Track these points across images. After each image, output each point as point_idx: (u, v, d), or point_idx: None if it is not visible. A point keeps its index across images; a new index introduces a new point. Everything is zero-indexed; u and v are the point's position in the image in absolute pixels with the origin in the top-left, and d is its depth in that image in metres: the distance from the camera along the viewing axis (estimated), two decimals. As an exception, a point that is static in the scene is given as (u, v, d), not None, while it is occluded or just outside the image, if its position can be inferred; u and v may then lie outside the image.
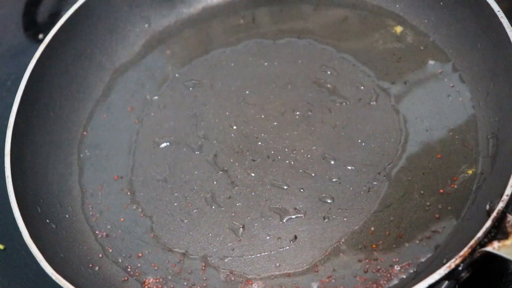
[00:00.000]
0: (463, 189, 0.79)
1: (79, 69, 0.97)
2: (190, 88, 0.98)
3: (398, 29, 0.95)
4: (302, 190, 0.84)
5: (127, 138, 0.94)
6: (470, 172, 0.80)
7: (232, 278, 0.79)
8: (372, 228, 0.79)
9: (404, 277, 0.74)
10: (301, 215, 0.82)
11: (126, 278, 0.81)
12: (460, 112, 0.85)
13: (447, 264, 0.65)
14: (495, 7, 0.79)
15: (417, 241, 0.76)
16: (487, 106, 0.83)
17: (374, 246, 0.77)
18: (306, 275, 0.77)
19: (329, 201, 0.82)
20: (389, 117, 0.87)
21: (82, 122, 0.96)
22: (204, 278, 0.80)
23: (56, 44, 0.92)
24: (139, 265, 0.82)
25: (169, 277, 0.80)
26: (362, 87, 0.91)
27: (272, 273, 0.78)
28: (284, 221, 0.82)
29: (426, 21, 0.94)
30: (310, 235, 0.80)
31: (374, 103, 0.89)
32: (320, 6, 1.01)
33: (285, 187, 0.85)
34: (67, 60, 0.95)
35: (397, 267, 0.75)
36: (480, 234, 0.65)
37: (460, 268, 0.65)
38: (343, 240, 0.79)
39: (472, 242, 0.65)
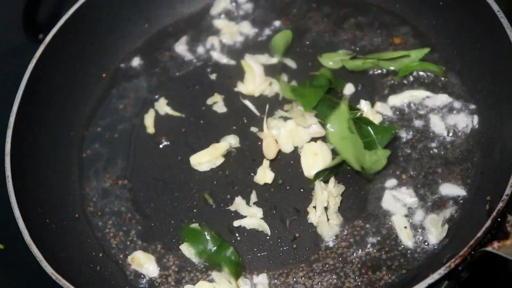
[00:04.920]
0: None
1: (79, 69, 0.97)
2: (190, 88, 0.98)
3: (399, 29, 0.95)
4: (302, 190, 0.84)
5: (127, 138, 0.94)
6: (470, 172, 0.80)
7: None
8: (373, 228, 0.79)
9: (404, 277, 0.74)
10: (301, 215, 0.82)
11: (126, 278, 0.81)
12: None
13: (447, 264, 0.65)
14: (495, 7, 0.79)
15: (418, 241, 0.77)
16: (487, 106, 0.83)
17: (374, 245, 0.77)
18: (306, 275, 0.77)
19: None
20: (389, 118, 0.87)
21: (82, 122, 0.96)
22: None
23: (56, 44, 0.92)
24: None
25: (170, 277, 0.81)
26: (362, 87, 0.91)
27: (272, 273, 0.78)
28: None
29: (426, 21, 0.94)
30: (310, 235, 0.80)
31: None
32: (321, 5, 1.01)
33: (285, 187, 0.85)
34: (67, 60, 0.95)
35: (397, 267, 0.75)
36: (480, 234, 0.65)
37: (460, 268, 0.65)
38: (343, 239, 0.79)
39: (472, 242, 0.65)
